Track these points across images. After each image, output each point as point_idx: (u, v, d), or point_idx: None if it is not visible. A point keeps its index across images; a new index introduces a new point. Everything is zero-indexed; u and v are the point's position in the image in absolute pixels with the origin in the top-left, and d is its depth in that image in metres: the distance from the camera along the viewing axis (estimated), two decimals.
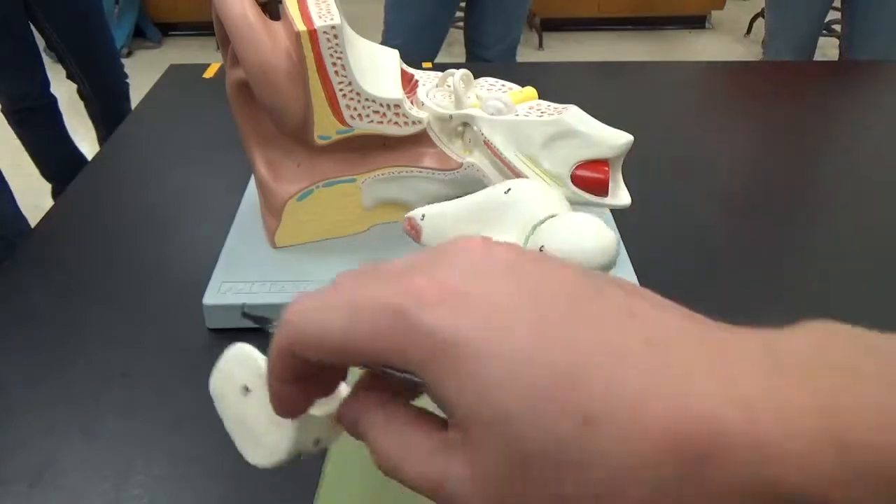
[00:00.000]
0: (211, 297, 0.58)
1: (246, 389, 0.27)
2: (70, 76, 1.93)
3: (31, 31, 1.79)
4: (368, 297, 0.19)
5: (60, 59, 1.88)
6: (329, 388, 0.24)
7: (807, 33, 1.78)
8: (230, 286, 0.59)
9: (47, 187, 2.02)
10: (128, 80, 2.02)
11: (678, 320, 0.19)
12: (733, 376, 0.17)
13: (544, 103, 0.61)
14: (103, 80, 1.95)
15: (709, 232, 0.73)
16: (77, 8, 1.79)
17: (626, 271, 0.60)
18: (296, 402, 0.23)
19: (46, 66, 1.86)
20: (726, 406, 0.16)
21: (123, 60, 2.06)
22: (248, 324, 0.58)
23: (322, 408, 0.25)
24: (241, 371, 0.27)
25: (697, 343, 0.18)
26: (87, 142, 2.16)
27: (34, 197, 1.88)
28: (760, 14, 3.61)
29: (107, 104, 1.96)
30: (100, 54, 1.92)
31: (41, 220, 0.75)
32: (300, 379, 0.22)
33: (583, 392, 0.16)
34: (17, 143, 1.89)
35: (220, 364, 0.28)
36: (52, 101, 1.90)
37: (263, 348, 0.56)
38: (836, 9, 1.90)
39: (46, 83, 1.87)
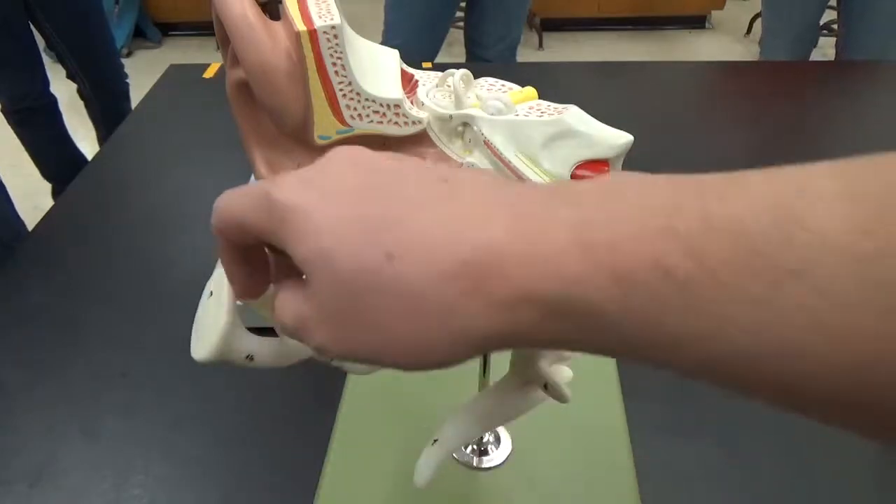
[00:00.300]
0: None
1: (210, 293, 0.32)
2: (70, 76, 1.93)
3: (31, 31, 1.78)
4: (259, 186, 0.24)
5: (60, 59, 1.88)
6: (264, 274, 0.28)
7: (802, 32, 1.79)
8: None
9: (47, 187, 2.02)
10: (128, 80, 2.01)
11: (480, 176, 0.24)
12: (512, 206, 0.21)
13: (544, 103, 0.61)
14: (103, 79, 1.94)
15: None
16: (77, 8, 1.79)
17: None
18: (245, 282, 0.27)
19: (46, 67, 1.86)
20: (500, 232, 0.21)
21: (123, 60, 2.06)
22: (248, 324, 0.58)
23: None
24: (212, 280, 0.31)
25: (489, 189, 0.22)
26: (87, 141, 2.16)
27: (34, 197, 1.88)
28: (760, 14, 3.61)
29: (107, 104, 1.96)
30: (100, 54, 1.91)
31: (41, 221, 0.75)
32: (242, 261, 0.26)
33: (387, 235, 0.21)
34: (17, 143, 1.89)
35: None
36: (52, 101, 1.89)
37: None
38: (832, 8, 1.90)
39: (46, 83, 1.86)
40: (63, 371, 0.55)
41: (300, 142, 0.62)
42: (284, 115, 0.59)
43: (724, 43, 3.64)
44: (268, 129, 0.63)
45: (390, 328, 0.22)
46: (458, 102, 0.61)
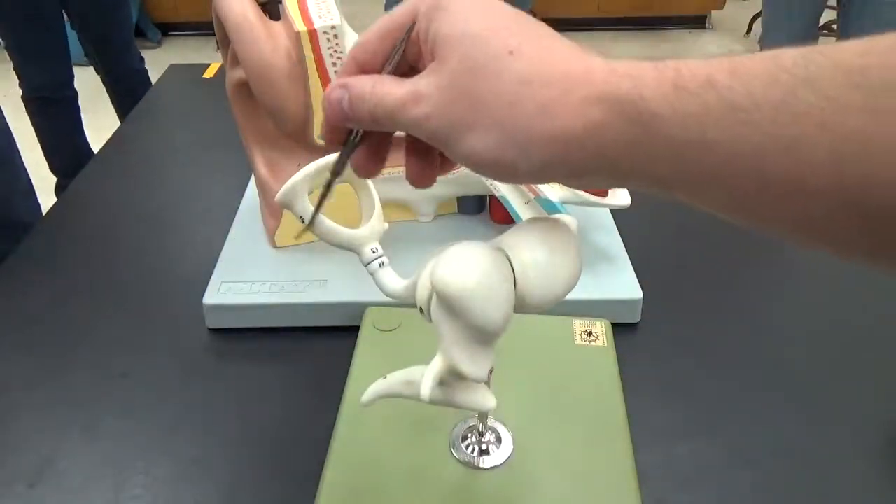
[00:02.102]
0: (211, 297, 0.58)
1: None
2: (95, 68, 1.95)
3: (63, 23, 1.79)
4: None
5: (82, 44, 1.89)
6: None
7: (802, 30, 1.78)
8: (230, 286, 0.59)
9: (47, 186, 2.02)
10: (145, 67, 2.04)
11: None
12: (607, 58, 0.27)
13: None
14: (123, 66, 1.97)
15: (709, 232, 0.73)
16: None
17: (625, 271, 0.60)
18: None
19: (77, 65, 1.87)
20: (595, 62, 0.26)
21: None
22: (248, 324, 0.58)
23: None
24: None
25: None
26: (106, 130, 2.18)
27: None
28: (760, 14, 3.61)
29: (124, 88, 1.97)
30: (119, 40, 1.94)
31: (41, 220, 0.75)
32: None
33: (513, 39, 0.27)
34: (30, 136, 1.89)
35: None
36: (73, 95, 1.91)
37: (263, 349, 0.55)
38: (831, 8, 1.90)
39: (70, 77, 1.88)
40: (63, 371, 0.55)
41: (300, 142, 0.62)
42: (284, 115, 0.59)
43: (724, 43, 3.64)
44: (268, 129, 0.63)
45: (493, 109, 0.26)
46: None
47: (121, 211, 0.76)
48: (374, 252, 0.38)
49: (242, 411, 0.52)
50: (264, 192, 0.63)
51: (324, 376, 0.54)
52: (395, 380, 0.37)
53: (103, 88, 2.02)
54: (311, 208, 0.36)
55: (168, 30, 3.68)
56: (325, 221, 0.37)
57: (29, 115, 1.88)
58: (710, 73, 0.23)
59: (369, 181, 0.40)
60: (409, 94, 0.28)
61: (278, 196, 0.36)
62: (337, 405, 0.47)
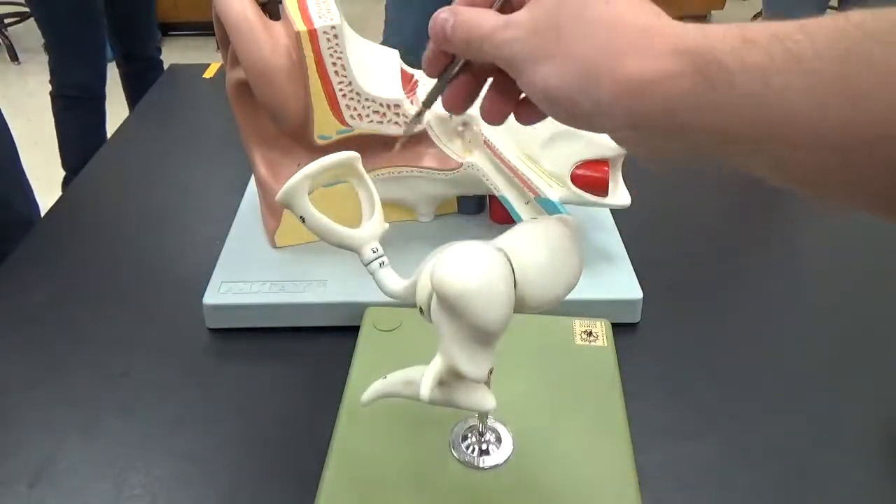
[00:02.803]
0: (211, 297, 0.58)
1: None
2: (114, 51, 1.97)
3: (103, 23, 1.81)
4: None
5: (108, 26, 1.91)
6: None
7: None
8: (230, 286, 0.58)
9: (49, 186, 2.02)
10: (161, 59, 2.06)
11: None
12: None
13: None
14: (142, 49, 2.01)
15: (709, 232, 0.73)
16: None
17: (625, 271, 0.60)
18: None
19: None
20: (672, 21, 0.28)
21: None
22: (248, 324, 0.58)
23: None
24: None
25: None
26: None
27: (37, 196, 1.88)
28: (760, 14, 3.61)
29: (141, 76, 1.99)
30: (143, 23, 2.00)
31: (41, 220, 0.75)
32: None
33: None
34: (24, 138, 1.90)
35: None
36: (101, 96, 1.92)
37: (263, 349, 0.55)
38: (832, 8, 1.90)
39: (102, 78, 1.89)
40: (63, 371, 0.55)
41: (300, 142, 0.62)
42: (284, 115, 0.59)
43: None
44: (268, 129, 0.63)
45: (575, 44, 0.28)
46: None
47: (121, 211, 0.76)
48: (374, 252, 0.38)
49: (242, 411, 0.52)
50: (264, 192, 0.63)
51: (324, 376, 0.54)
52: (394, 380, 0.37)
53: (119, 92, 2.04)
54: (312, 208, 0.36)
55: (168, 30, 3.67)
56: (325, 221, 0.37)
57: (55, 111, 1.90)
58: (777, 29, 0.25)
59: (369, 181, 0.40)
60: (503, 21, 0.30)
61: (279, 195, 0.36)
62: (337, 405, 0.47)
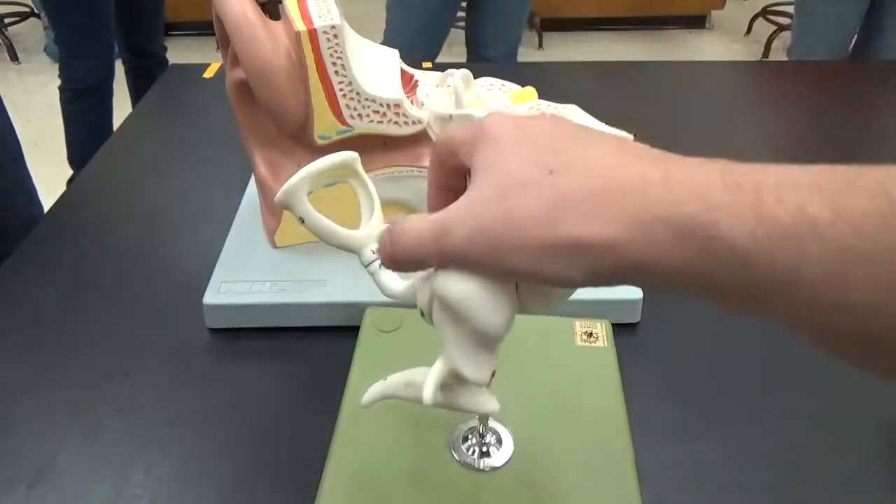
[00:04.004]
0: (211, 297, 0.58)
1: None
2: (119, 47, 1.98)
3: (111, 19, 1.82)
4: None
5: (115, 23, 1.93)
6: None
7: (838, 40, 1.71)
8: (230, 286, 0.59)
9: (51, 186, 2.02)
10: (167, 58, 2.08)
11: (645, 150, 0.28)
12: (667, 160, 0.26)
13: (544, 103, 0.61)
14: (149, 46, 2.02)
15: None
16: None
17: None
18: (435, 196, 0.35)
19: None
20: (652, 171, 0.25)
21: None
22: (248, 324, 0.58)
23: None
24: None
25: (650, 152, 0.27)
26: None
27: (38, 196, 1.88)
28: (760, 14, 3.61)
29: (146, 73, 2.00)
30: (151, 20, 2.01)
31: (42, 220, 0.75)
32: (442, 183, 0.34)
33: (556, 158, 0.26)
34: (24, 138, 1.90)
35: None
36: (109, 91, 1.93)
37: (263, 349, 0.55)
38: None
39: (110, 72, 1.91)
40: (63, 371, 0.55)
41: (300, 142, 0.62)
42: (284, 115, 0.59)
43: (724, 43, 3.64)
44: (268, 129, 0.63)
45: (529, 227, 0.26)
46: (459, 102, 0.61)
47: (121, 211, 0.76)
48: (374, 253, 0.38)
49: (242, 411, 0.52)
50: (264, 192, 0.63)
51: (324, 376, 0.54)
52: (395, 381, 0.37)
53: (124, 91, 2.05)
54: (311, 209, 0.36)
55: (168, 30, 3.67)
56: (325, 222, 0.37)
57: (62, 103, 1.92)
58: (800, 203, 0.21)
59: (369, 181, 0.40)
60: (442, 221, 0.28)
61: (278, 196, 0.36)
62: (337, 405, 0.47)
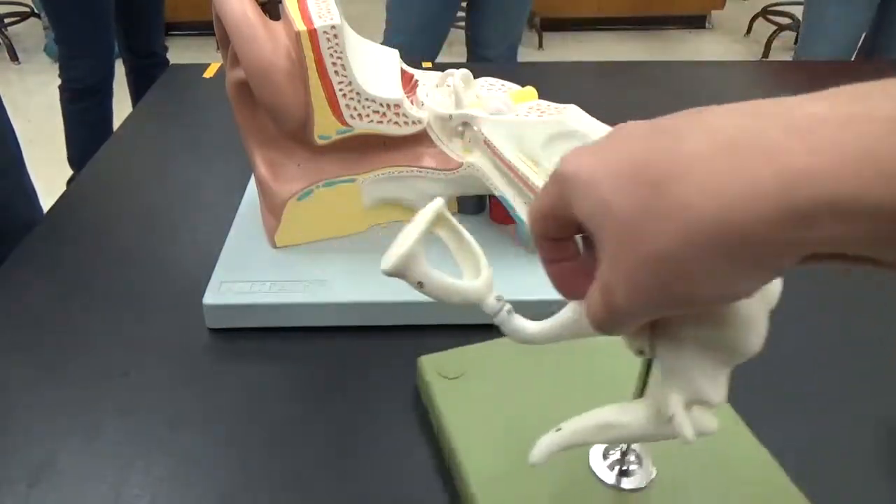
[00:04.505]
0: (211, 297, 0.58)
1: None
2: (119, 47, 1.99)
3: (112, 18, 1.83)
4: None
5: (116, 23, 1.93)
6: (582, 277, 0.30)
7: (845, 41, 1.70)
8: (230, 286, 0.59)
9: (50, 187, 2.02)
10: (168, 58, 2.08)
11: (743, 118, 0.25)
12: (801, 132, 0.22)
13: (544, 103, 0.61)
14: (150, 46, 2.03)
15: None
16: None
17: None
18: (562, 279, 0.31)
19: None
20: (799, 156, 0.21)
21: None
22: (248, 324, 0.58)
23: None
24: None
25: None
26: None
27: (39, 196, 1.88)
28: (760, 14, 3.61)
29: (146, 73, 2.01)
30: (152, 20, 2.01)
31: (41, 220, 0.75)
32: (558, 258, 0.31)
33: (653, 168, 0.23)
34: (23, 138, 1.90)
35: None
36: (109, 91, 1.94)
37: (263, 349, 0.55)
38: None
39: (110, 72, 1.91)
40: (63, 371, 0.55)
41: (300, 142, 0.62)
42: (284, 114, 0.59)
43: (724, 43, 3.64)
44: (268, 129, 0.63)
45: (672, 255, 0.23)
46: (458, 102, 0.61)
47: (121, 211, 0.76)
48: (498, 300, 0.36)
49: (242, 411, 0.52)
50: (264, 192, 0.63)
51: (324, 376, 0.54)
52: (582, 427, 0.35)
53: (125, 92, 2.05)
54: (428, 271, 0.34)
55: (168, 30, 3.67)
56: (446, 281, 0.35)
57: (62, 103, 1.92)
58: None
59: (459, 226, 0.37)
60: (600, 294, 0.26)
61: (390, 267, 0.34)
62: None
